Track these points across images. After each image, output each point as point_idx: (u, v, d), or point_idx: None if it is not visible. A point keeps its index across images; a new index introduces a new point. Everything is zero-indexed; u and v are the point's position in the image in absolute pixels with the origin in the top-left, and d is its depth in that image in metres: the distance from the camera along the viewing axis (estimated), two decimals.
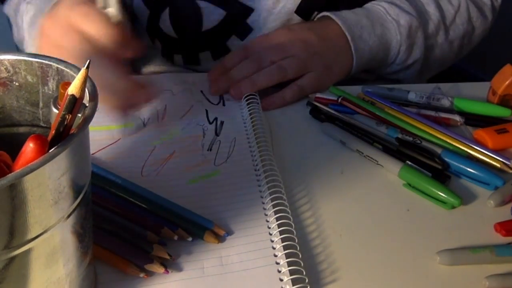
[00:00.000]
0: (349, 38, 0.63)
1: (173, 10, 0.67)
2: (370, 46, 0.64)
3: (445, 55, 0.71)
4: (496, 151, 0.52)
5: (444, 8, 0.69)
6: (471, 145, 0.53)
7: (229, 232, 0.43)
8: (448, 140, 0.54)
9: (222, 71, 0.62)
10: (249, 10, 0.66)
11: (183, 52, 0.70)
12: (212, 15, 0.66)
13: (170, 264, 0.40)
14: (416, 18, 0.66)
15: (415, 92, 0.61)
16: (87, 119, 0.29)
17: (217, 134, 0.55)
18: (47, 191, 0.27)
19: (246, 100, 0.58)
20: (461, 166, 0.51)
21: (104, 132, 0.54)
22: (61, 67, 0.34)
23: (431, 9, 0.68)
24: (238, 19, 0.66)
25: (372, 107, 0.58)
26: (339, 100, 0.59)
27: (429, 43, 0.68)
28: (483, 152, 0.52)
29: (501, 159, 0.51)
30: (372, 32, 0.64)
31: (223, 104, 0.60)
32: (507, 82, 0.58)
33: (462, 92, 0.64)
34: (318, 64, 0.61)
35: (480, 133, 0.55)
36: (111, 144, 0.53)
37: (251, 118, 0.56)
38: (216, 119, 0.57)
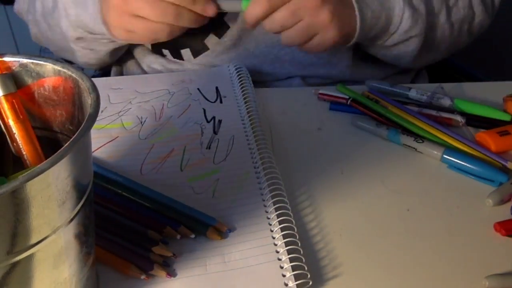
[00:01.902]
0: None
1: None
2: (372, 9, 0.61)
3: (445, 37, 0.70)
4: (497, 154, 0.52)
5: None
6: (473, 147, 0.53)
7: (231, 229, 0.43)
8: (450, 141, 0.54)
9: None
10: None
11: (169, 47, 0.71)
12: None
13: (172, 262, 0.40)
14: None
15: (416, 90, 0.61)
16: (92, 118, 0.29)
17: (215, 133, 0.55)
18: (55, 192, 0.27)
19: (244, 98, 0.59)
20: (464, 163, 0.51)
21: (102, 131, 0.54)
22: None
23: None
24: (215, 17, 0.66)
25: (376, 105, 0.58)
26: (349, 102, 0.59)
27: (430, 20, 0.66)
28: (485, 155, 0.52)
29: (502, 162, 0.51)
30: None
31: (221, 102, 0.60)
32: None
33: (463, 92, 0.64)
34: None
35: (483, 136, 0.55)
36: (109, 142, 0.53)
37: (249, 116, 0.56)
38: (214, 118, 0.57)
